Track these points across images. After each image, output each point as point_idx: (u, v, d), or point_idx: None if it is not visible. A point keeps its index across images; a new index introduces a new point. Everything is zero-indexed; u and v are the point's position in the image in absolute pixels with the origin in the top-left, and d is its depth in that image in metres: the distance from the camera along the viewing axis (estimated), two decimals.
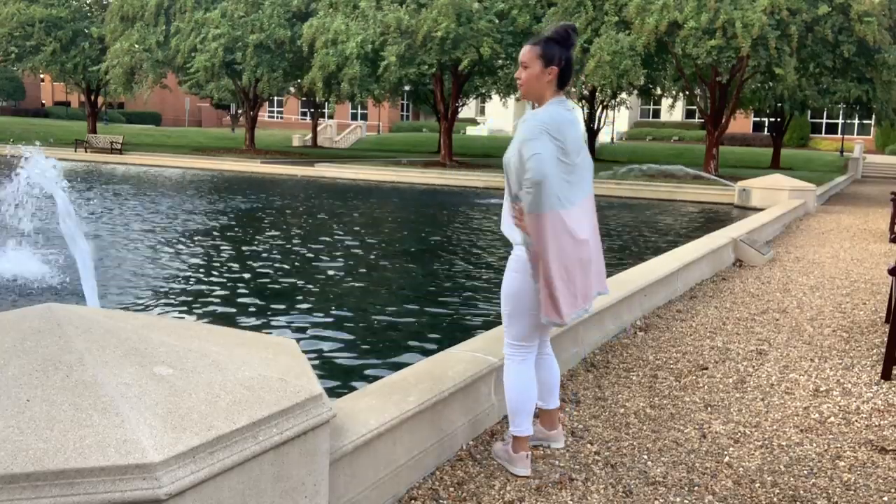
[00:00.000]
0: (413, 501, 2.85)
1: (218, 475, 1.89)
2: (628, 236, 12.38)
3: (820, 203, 18.80)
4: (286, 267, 8.59)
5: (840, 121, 47.76)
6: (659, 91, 33.98)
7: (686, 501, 2.92)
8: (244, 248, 9.92)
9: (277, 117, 66.24)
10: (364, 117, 60.91)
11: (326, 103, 43.37)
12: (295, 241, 10.58)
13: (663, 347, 5.09)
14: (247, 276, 8.02)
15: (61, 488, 1.65)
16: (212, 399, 2.00)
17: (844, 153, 40.84)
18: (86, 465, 1.67)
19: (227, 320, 6.13)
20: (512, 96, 36.10)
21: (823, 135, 51.84)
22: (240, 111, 52.21)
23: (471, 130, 55.75)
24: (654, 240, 12.01)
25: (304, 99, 42.81)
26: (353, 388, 3.41)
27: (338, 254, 9.62)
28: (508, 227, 3.05)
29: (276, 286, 7.52)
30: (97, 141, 35.49)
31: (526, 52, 2.96)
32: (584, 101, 34.45)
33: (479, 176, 24.17)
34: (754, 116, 48.52)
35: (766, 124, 44.81)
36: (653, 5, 22.20)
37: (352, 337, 5.78)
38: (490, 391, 3.58)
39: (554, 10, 24.96)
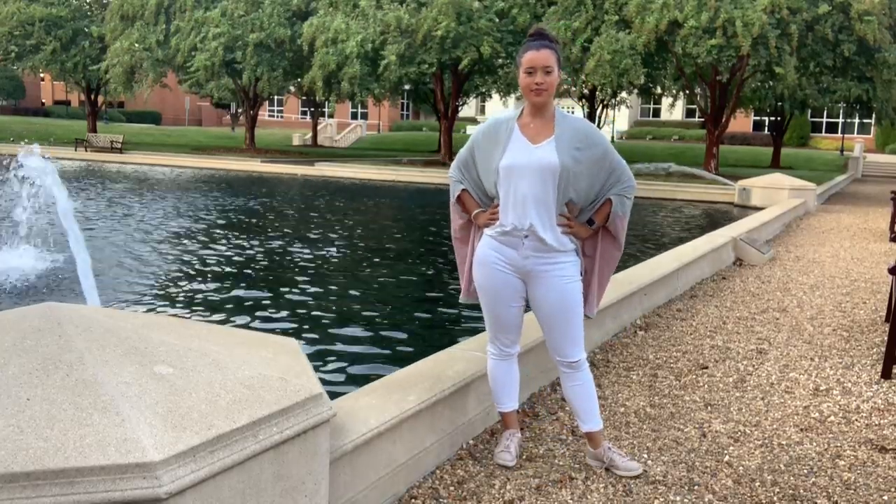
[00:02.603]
0: (413, 500, 2.85)
1: (218, 474, 1.89)
2: (628, 236, 12.37)
3: (820, 202, 18.80)
4: (286, 266, 8.59)
5: (840, 120, 47.74)
6: (659, 90, 33.97)
7: (686, 500, 2.92)
8: (244, 246, 9.91)
9: (277, 116, 66.23)
10: (364, 116, 60.90)
11: (326, 102, 43.34)
12: (295, 240, 10.58)
13: (663, 346, 5.09)
14: (247, 274, 8.02)
15: (61, 487, 1.65)
16: (212, 398, 2.00)
17: (844, 152, 40.83)
18: (86, 464, 1.67)
19: (227, 319, 6.13)
20: (512, 95, 36.08)
21: (824, 134, 51.82)
22: (240, 110, 52.21)
23: (471, 129, 55.72)
24: (654, 239, 12.01)
25: (304, 98, 42.81)
26: (354, 388, 3.41)
27: (338, 252, 9.63)
28: (555, 235, 2.95)
29: (277, 285, 7.52)
30: (97, 140, 35.50)
31: (549, 56, 2.85)
32: (584, 100, 34.44)
33: None
34: (754, 115, 48.48)
35: (767, 123, 44.80)
36: (653, 4, 22.19)
37: (352, 336, 5.78)
38: (490, 390, 3.57)
39: (554, 9, 24.95)
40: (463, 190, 3.15)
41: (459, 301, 3.27)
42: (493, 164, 2.96)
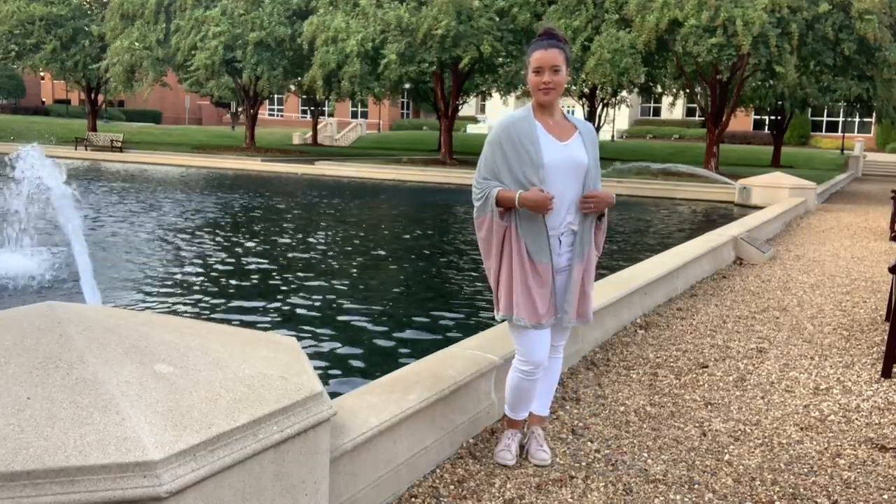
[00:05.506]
0: (413, 499, 2.85)
1: (218, 473, 1.89)
2: (628, 234, 12.38)
3: (820, 201, 18.79)
4: (287, 265, 8.59)
5: (841, 119, 47.73)
6: (659, 89, 33.97)
7: (686, 499, 2.92)
8: (245, 245, 9.92)
9: (278, 115, 66.20)
10: (364, 115, 60.87)
11: (327, 101, 43.33)
12: (295, 239, 10.58)
13: (663, 345, 5.09)
14: (247, 273, 8.02)
15: (62, 486, 1.65)
16: (212, 397, 2.00)
17: (845, 151, 40.81)
18: (86, 462, 1.67)
19: (227, 318, 6.13)
20: (512, 94, 36.06)
21: (824, 133, 51.78)
22: (240, 109, 52.16)
23: (471, 128, 55.70)
24: (655, 238, 12.01)
25: (304, 97, 42.77)
26: (354, 386, 3.41)
27: (338, 252, 9.62)
28: (585, 228, 3.05)
29: (277, 284, 7.52)
30: (97, 139, 35.49)
31: (557, 55, 2.84)
32: (584, 100, 34.43)
33: None
34: (755, 114, 48.39)
35: (767, 122, 44.73)
36: (653, 3, 22.18)
37: (352, 335, 5.78)
38: (490, 389, 3.58)
39: (554, 7, 24.94)
40: (497, 188, 2.91)
41: (513, 321, 2.98)
42: (537, 160, 2.85)
